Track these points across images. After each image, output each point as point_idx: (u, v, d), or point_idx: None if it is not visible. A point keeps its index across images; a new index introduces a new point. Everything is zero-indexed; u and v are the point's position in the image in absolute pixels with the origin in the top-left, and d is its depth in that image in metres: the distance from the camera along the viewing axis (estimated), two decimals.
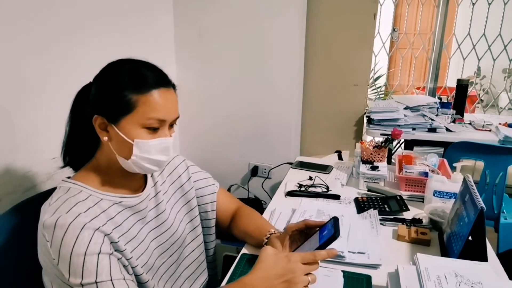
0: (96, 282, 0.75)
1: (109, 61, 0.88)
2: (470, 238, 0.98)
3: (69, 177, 0.88)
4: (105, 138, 0.85)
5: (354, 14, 2.08)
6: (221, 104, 2.19)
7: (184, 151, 2.17)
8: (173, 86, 0.89)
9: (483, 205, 0.94)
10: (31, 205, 0.98)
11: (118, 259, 0.81)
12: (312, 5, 2.07)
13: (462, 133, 2.03)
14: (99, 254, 0.76)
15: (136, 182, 0.95)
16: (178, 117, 0.89)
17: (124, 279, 0.79)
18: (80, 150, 0.92)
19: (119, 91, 0.81)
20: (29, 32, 1.23)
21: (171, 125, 0.88)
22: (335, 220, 0.87)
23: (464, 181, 1.12)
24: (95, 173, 0.89)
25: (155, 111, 0.82)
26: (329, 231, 0.86)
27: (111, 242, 0.80)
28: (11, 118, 1.18)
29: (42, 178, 1.29)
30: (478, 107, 3.66)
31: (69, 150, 0.93)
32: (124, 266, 0.82)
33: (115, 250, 0.81)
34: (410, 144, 2.12)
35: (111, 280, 0.76)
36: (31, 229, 0.86)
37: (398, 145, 2.25)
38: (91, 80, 0.89)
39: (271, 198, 2.15)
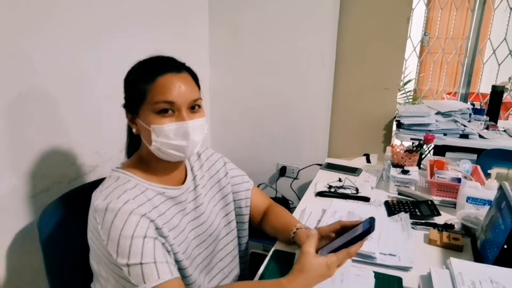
0: (141, 263, 0.79)
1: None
2: (505, 246, 0.98)
3: (118, 167, 0.94)
4: (134, 130, 0.93)
5: (387, 18, 2.07)
6: (251, 103, 2.22)
7: (214, 149, 2.21)
8: (188, 70, 0.93)
9: None
10: (79, 195, 1.05)
11: (162, 244, 0.86)
12: (345, 7, 2.08)
13: (495, 140, 1.98)
14: (144, 237, 0.81)
15: (177, 173, 0.99)
16: (197, 99, 0.91)
17: (167, 262, 0.83)
18: (134, 143, 1.00)
19: (132, 85, 0.91)
20: (78, 28, 1.30)
21: (192, 108, 0.90)
22: (372, 219, 0.89)
23: (501, 188, 1.12)
24: (140, 164, 0.95)
25: (161, 94, 0.86)
26: (364, 226, 0.88)
27: (156, 228, 0.86)
28: (57, 113, 1.25)
29: (85, 170, 1.36)
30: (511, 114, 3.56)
31: (129, 144, 1.03)
32: (167, 251, 0.87)
33: (159, 236, 0.86)
34: (439, 150, 2.09)
35: (155, 262, 0.81)
36: (79, 217, 0.93)
37: (428, 150, 2.22)
38: None
39: (299, 198, 2.18)
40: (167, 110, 0.87)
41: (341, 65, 2.16)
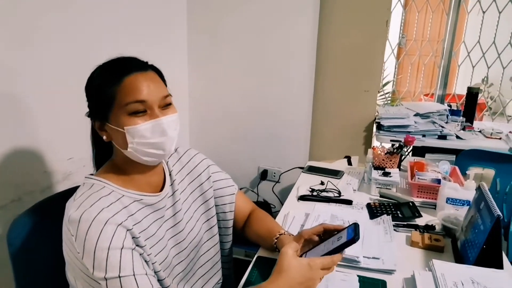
0: (119, 277, 0.76)
1: None
2: (484, 245, 0.99)
3: (91, 174, 0.90)
4: (105, 137, 0.89)
5: (366, 21, 2.09)
6: (231, 107, 2.21)
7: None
8: (152, 68, 0.90)
9: (500, 213, 0.95)
10: (52, 204, 1.00)
11: (140, 254, 0.83)
12: (325, 10, 2.09)
13: (472, 141, 2.03)
14: (122, 248, 0.78)
15: (154, 178, 0.96)
16: (167, 96, 0.89)
17: (146, 274, 0.80)
18: (103, 152, 0.95)
19: (97, 90, 0.86)
20: (52, 30, 1.25)
21: (166, 106, 0.88)
22: (356, 225, 0.88)
23: (479, 189, 1.13)
24: (114, 170, 0.91)
25: (131, 94, 0.83)
26: (349, 234, 0.87)
27: (132, 237, 0.82)
28: (29, 119, 1.20)
29: (58, 178, 1.31)
30: (485, 114, 3.66)
31: (96, 155, 0.97)
32: (145, 261, 0.84)
33: (137, 246, 0.83)
34: (419, 151, 2.12)
35: (134, 275, 0.78)
36: (53, 227, 0.88)
37: (407, 151, 2.25)
38: None
39: (281, 202, 2.17)
40: (139, 110, 0.84)
41: (322, 68, 2.16)
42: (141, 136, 0.84)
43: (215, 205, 1.12)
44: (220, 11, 2.11)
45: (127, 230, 0.81)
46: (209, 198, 1.11)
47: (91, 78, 0.88)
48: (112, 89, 0.83)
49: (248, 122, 2.19)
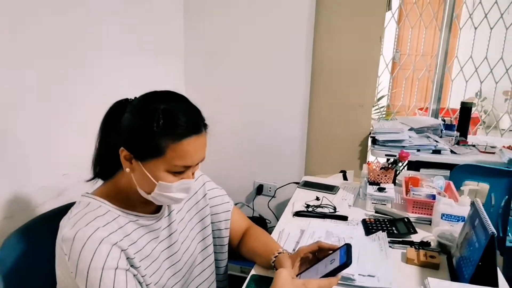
0: None
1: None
2: (479, 262, 0.99)
3: (88, 193, 0.89)
4: (128, 170, 0.86)
5: (361, 36, 2.12)
6: (227, 122, 2.21)
7: None
8: (204, 126, 0.89)
9: (494, 231, 0.95)
10: (45, 222, 0.99)
11: (134, 275, 0.82)
12: (320, 26, 2.11)
13: (466, 156, 2.04)
14: (116, 269, 0.77)
15: (153, 205, 0.95)
16: (204, 159, 0.90)
17: None
18: (106, 166, 0.93)
19: (151, 134, 0.81)
20: (45, 49, 1.26)
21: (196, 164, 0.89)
22: (348, 247, 0.88)
23: (473, 205, 1.13)
24: (114, 191, 0.90)
25: (182, 159, 0.83)
26: (341, 257, 0.87)
27: (127, 258, 0.82)
28: (22, 134, 1.19)
29: (52, 194, 1.30)
30: (479, 128, 3.70)
31: (97, 163, 0.94)
32: (139, 282, 0.83)
33: (131, 266, 0.82)
34: (413, 166, 2.13)
35: None
36: (46, 246, 0.87)
37: (402, 166, 2.26)
38: (125, 99, 0.91)
39: (276, 218, 2.17)
40: (180, 171, 0.85)
41: (317, 83, 2.18)
42: (168, 191, 0.85)
43: (211, 222, 1.12)
44: (216, 26, 2.13)
45: (122, 250, 0.81)
46: (205, 216, 1.10)
47: (150, 116, 0.82)
48: (167, 144, 0.81)
49: (244, 137, 2.19)
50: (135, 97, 0.89)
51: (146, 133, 0.81)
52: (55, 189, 1.31)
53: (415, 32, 3.27)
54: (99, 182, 0.95)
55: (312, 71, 2.17)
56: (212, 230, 1.12)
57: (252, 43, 2.10)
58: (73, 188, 1.37)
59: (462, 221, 1.25)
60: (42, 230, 0.96)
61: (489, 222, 0.99)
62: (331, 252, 0.96)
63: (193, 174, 0.89)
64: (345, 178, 2.05)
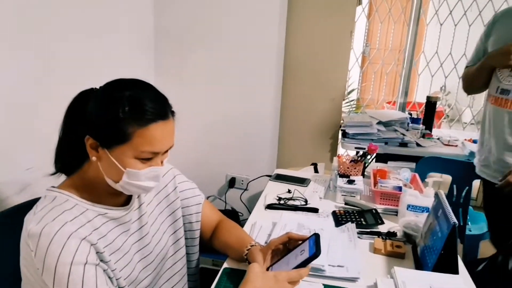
0: None
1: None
2: (442, 251, 1.04)
3: (54, 186, 0.86)
4: (94, 158, 0.84)
5: (332, 31, 2.15)
6: (198, 115, 2.19)
7: None
8: (172, 113, 0.88)
9: (456, 221, 0.99)
10: (8, 218, 0.95)
11: (104, 270, 0.81)
12: (292, 20, 2.12)
13: (431, 148, 2.12)
14: (85, 264, 0.76)
15: (122, 197, 0.94)
16: (173, 145, 0.89)
17: None
18: (71, 158, 0.90)
19: (117, 120, 0.80)
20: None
21: (164, 152, 0.88)
22: (316, 237, 0.90)
23: (437, 196, 1.18)
24: (81, 184, 0.88)
25: (150, 145, 0.82)
26: (311, 248, 0.89)
27: (97, 252, 0.80)
28: None
29: (15, 189, 1.25)
30: (443, 121, 3.85)
31: (60, 157, 0.91)
32: (109, 277, 0.82)
33: (101, 261, 0.81)
34: (382, 158, 2.19)
35: None
36: (9, 244, 0.84)
37: (371, 159, 2.32)
38: (89, 88, 0.87)
39: (248, 211, 2.18)
40: (147, 157, 0.83)
41: (289, 77, 2.20)
42: (136, 179, 0.83)
43: (182, 216, 1.11)
44: (189, 20, 2.09)
45: (91, 244, 0.79)
46: (176, 209, 1.09)
47: (116, 102, 0.81)
48: (134, 129, 0.80)
49: (216, 129, 2.18)
50: (100, 87, 0.87)
51: (112, 119, 0.80)
52: (18, 184, 1.26)
53: (385, 26, 3.35)
54: (64, 176, 0.92)
55: (284, 65, 2.18)
56: (183, 223, 1.12)
57: (224, 37, 2.08)
58: (37, 184, 1.31)
59: (426, 211, 1.31)
60: (5, 226, 0.92)
61: (451, 212, 1.04)
62: (300, 242, 0.97)
63: (162, 162, 0.88)
64: (316, 170, 2.08)
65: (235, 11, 2.05)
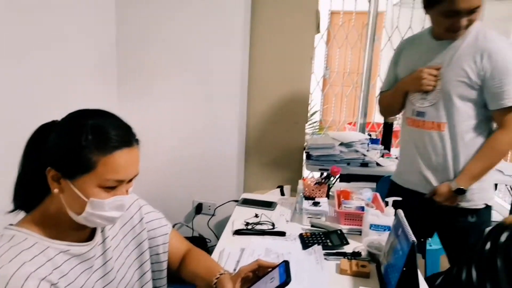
0: None
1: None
2: (404, 268, 1.08)
3: (11, 224, 0.83)
4: (56, 190, 0.82)
5: (293, 57, 2.23)
6: (163, 141, 2.18)
7: None
8: (136, 141, 0.88)
9: (415, 239, 1.04)
10: None
11: None
12: (254, 47, 2.19)
13: (390, 167, 2.22)
14: None
15: (86, 231, 0.91)
16: (138, 174, 0.88)
17: None
18: (31, 193, 0.87)
19: (79, 149, 0.79)
20: None
21: (130, 180, 0.88)
22: (286, 264, 0.91)
23: (396, 215, 1.24)
24: (42, 220, 0.85)
25: (115, 172, 0.81)
26: (281, 275, 0.90)
27: None
28: None
29: None
30: None
31: (20, 193, 0.88)
32: None
33: None
34: (345, 178, 2.27)
35: None
36: None
37: (335, 180, 2.39)
38: (51, 121, 0.86)
39: (216, 236, 2.16)
40: (112, 186, 0.82)
41: (253, 101, 2.25)
42: (100, 209, 0.81)
43: (149, 247, 1.09)
44: (150, 44, 2.11)
45: (52, 284, 0.76)
46: (142, 241, 1.07)
47: (78, 131, 0.80)
48: (97, 158, 0.79)
49: (181, 155, 2.17)
50: (62, 118, 0.86)
51: (75, 148, 0.79)
52: None
53: (343, 51, 3.53)
54: (23, 213, 0.89)
55: (249, 89, 2.23)
56: (150, 256, 1.09)
57: (187, 61, 2.10)
58: None
59: (388, 230, 1.36)
60: None
61: (410, 231, 1.09)
62: (270, 270, 0.98)
63: (127, 191, 0.87)
64: (282, 193, 2.11)
65: (199, 38, 2.09)
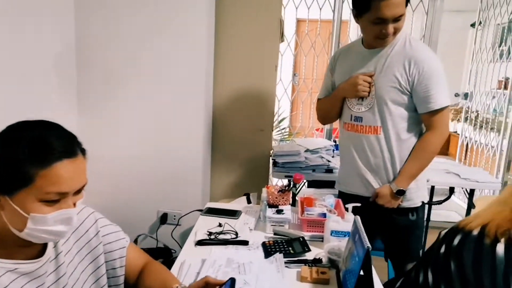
0: None
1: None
2: (362, 273, 1.10)
3: None
4: None
5: (258, 65, 2.25)
6: (126, 150, 2.14)
7: (88, 200, 2.03)
8: (82, 151, 0.85)
9: (369, 245, 1.07)
10: None
11: None
12: (219, 54, 2.20)
13: None
14: None
15: (35, 247, 0.88)
16: (85, 184, 0.86)
17: None
18: None
19: (15, 163, 0.76)
20: None
21: (78, 191, 0.85)
22: (232, 282, 0.92)
23: (354, 222, 1.27)
24: None
25: (55, 185, 0.78)
26: None
27: None
28: None
29: None
30: None
31: None
32: None
33: None
34: (313, 184, 2.30)
35: None
36: None
37: (301, 186, 2.42)
38: None
39: (181, 247, 2.13)
40: (54, 199, 0.78)
41: (219, 109, 2.25)
42: (43, 224, 0.78)
43: (105, 262, 1.06)
44: (113, 53, 2.07)
45: None
46: (98, 256, 1.05)
47: (14, 144, 0.77)
48: (35, 171, 0.75)
49: (145, 164, 2.14)
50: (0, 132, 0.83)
51: (11, 162, 0.76)
52: None
53: (311, 58, 3.59)
54: None
55: (214, 98, 2.23)
56: (106, 270, 1.07)
57: (151, 67, 2.08)
58: None
59: (348, 236, 1.39)
60: None
61: (365, 237, 1.12)
62: (218, 287, 0.98)
63: (75, 204, 0.84)
64: (249, 201, 2.11)
65: (164, 44, 2.07)
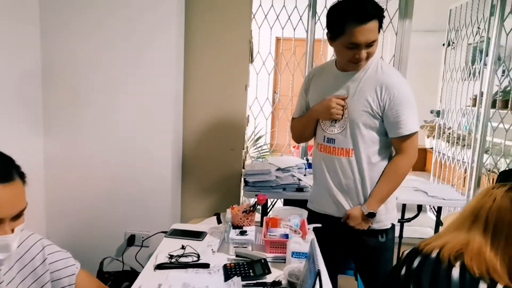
0: None
1: None
2: None
3: None
4: None
5: (227, 85, 2.28)
6: (93, 171, 2.11)
7: (51, 224, 1.99)
8: (20, 175, 0.84)
9: (320, 268, 1.07)
10: None
11: None
12: (188, 76, 2.21)
13: None
14: None
15: None
16: (24, 208, 0.84)
17: None
18: None
19: None
20: None
21: (17, 216, 0.83)
22: None
23: (311, 243, 1.27)
24: None
25: None
26: None
27: None
28: None
29: None
30: None
31: None
32: None
33: None
34: (289, 203, 2.29)
35: None
36: None
37: (271, 206, 2.42)
38: None
39: None
40: None
41: (188, 129, 2.26)
42: None
43: None
44: (79, 74, 2.07)
45: None
46: (44, 284, 1.02)
47: None
48: None
49: (113, 185, 2.11)
50: None
51: None
52: None
53: (286, 77, 3.64)
54: None
55: (184, 118, 2.23)
56: None
57: (119, 89, 2.08)
58: None
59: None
60: None
61: (318, 259, 1.11)
62: None
63: (13, 230, 0.82)
64: (219, 221, 2.10)
65: (130, 63, 2.07)
